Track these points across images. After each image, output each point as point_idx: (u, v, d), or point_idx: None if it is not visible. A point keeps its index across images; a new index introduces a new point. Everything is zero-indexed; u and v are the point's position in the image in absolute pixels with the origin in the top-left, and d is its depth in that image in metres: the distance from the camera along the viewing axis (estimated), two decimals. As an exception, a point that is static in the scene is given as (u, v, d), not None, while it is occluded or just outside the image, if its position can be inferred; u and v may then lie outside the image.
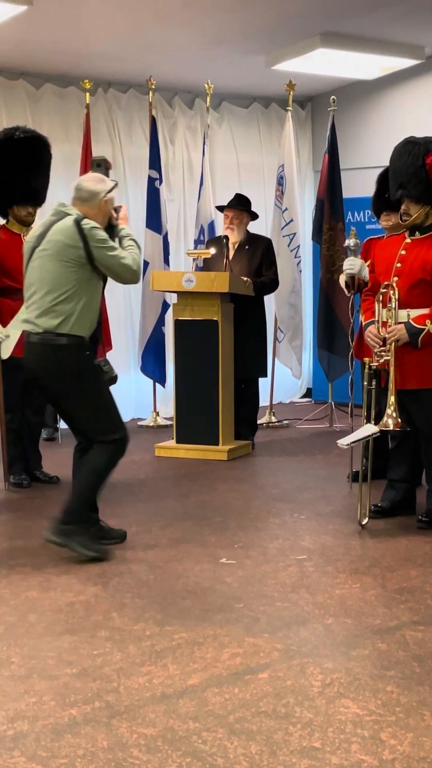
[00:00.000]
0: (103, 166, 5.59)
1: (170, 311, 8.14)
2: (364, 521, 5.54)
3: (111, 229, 5.08)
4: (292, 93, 9.20)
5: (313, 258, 9.89)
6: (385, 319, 5.43)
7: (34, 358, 4.96)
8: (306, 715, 3.22)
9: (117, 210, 5.13)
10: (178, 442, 7.59)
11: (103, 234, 4.91)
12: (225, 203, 8.03)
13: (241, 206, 7.83)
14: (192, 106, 10.03)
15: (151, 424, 9.05)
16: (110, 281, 5.15)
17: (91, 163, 5.87)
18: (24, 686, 3.47)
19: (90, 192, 4.99)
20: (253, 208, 8.00)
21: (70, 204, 5.02)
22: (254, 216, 7.94)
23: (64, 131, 9.11)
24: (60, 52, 8.47)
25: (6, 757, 2.97)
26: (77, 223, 4.86)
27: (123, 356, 9.17)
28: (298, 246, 9.03)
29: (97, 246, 4.86)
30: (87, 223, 4.87)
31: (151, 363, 8.94)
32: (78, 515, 4.98)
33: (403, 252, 5.47)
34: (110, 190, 5.04)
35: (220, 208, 8.04)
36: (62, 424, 8.46)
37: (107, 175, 5.35)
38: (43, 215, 7.90)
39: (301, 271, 9.17)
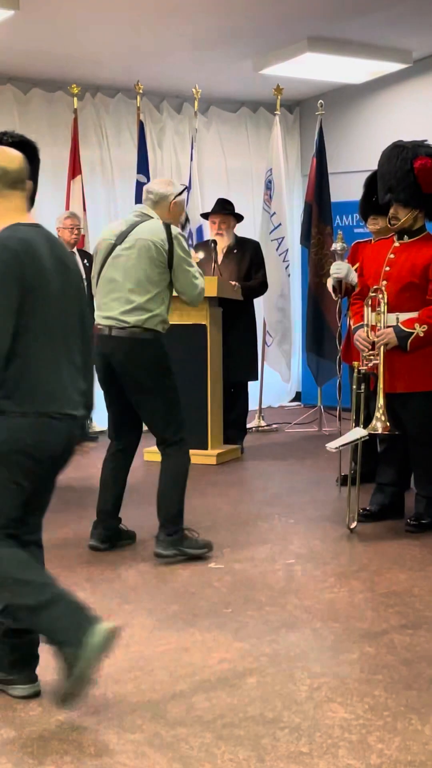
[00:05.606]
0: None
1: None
2: (353, 525, 5.54)
3: None
4: (279, 97, 9.22)
5: (302, 262, 9.89)
6: (374, 323, 5.43)
7: (122, 351, 5.01)
8: (294, 719, 3.22)
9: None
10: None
11: (187, 246, 5.05)
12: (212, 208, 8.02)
13: (227, 211, 7.83)
14: (180, 110, 10.03)
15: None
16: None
17: None
18: (11, 693, 3.46)
19: (159, 194, 5.12)
20: (241, 213, 8.00)
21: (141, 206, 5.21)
22: (240, 218, 7.95)
23: (52, 136, 9.10)
24: (47, 57, 8.46)
25: (-8, 764, 2.96)
26: (167, 226, 5.00)
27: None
28: (287, 250, 9.03)
29: (180, 254, 4.97)
30: (176, 229, 5.02)
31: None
32: (177, 523, 5.08)
33: (392, 256, 5.48)
34: (180, 193, 5.18)
35: (205, 216, 8.05)
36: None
37: None
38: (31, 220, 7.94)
39: (289, 275, 9.16)
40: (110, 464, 5.34)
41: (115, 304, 5.02)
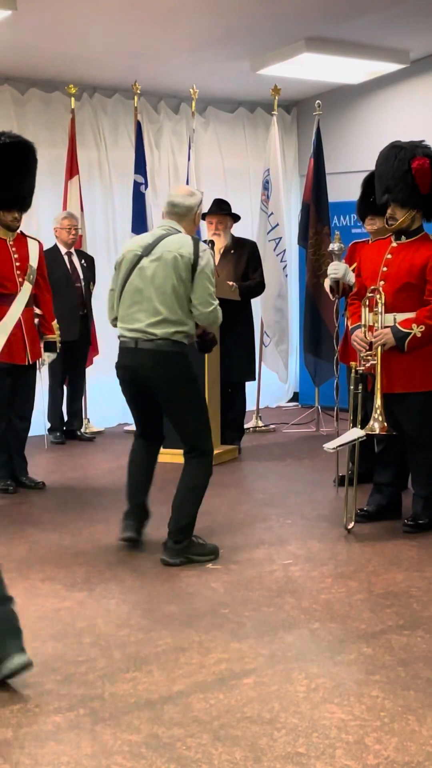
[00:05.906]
0: None
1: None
2: (351, 525, 5.54)
3: None
4: (277, 97, 9.22)
5: (299, 262, 9.89)
6: (371, 324, 5.43)
7: (149, 364, 5.01)
8: (291, 720, 3.22)
9: None
10: (164, 447, 7.55)
11: (212, 264, 5.06)
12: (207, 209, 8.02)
13: (224, 211, 7.84)
14: (177, 110, 10.02)
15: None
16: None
17: None
18: (8, 693, 3.45)
19: (185, 207, 5.16)
20: (239, 213, 8.01)
21: (164, 218, 5.23)
22: (237, 218, 7.96)
23: (49, 136, 9.08)
24: (45, 57, 8.45)
25: (-11, 765, 2.95)
26: (196, 241, 5.03)
27: (111, 361, 9.13)
28: (284, 250, 9.03)
29: (204, 270, 4.96)
30: (204, 245, 5.05)
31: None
32: (188, 532, 5.08)
33: (390, 256, 5.48)
34: (200, 203, 5.26)
35: (202, 216, 8.04)
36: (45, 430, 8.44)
37: None
38: (28, 220, 7.95)
39: (287, 276, 9.16)
40: (138, 456, 5.45)
41: (141, 316, 5.01)
